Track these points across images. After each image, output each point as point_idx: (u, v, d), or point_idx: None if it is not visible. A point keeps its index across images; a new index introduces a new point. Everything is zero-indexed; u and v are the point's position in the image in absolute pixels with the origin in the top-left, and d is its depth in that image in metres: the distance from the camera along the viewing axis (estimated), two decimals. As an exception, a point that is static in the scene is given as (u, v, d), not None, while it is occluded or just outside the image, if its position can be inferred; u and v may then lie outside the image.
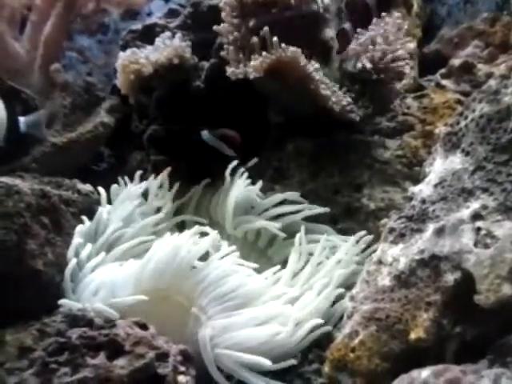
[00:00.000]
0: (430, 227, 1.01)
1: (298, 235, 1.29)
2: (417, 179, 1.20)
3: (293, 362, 1.09)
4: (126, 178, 1.45)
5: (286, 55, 1.28)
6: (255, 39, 1.34)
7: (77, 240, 1.23)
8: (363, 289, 1.06)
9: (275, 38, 1.29)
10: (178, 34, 1.58)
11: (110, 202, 1.39)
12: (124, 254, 1.26)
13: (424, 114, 1.50)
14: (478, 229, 0.94)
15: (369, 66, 1.35)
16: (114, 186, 1.43)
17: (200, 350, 1.08)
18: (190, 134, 1.49)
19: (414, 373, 0.86)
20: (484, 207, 0.95)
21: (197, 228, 1.22)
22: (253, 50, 1.34)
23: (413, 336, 0.94)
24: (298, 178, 1.46)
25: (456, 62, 1.67)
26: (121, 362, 0.97)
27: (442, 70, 1.69)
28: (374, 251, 1.13)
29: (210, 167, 1.50)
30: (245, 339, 1.08)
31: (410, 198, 1.11)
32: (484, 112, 1.02)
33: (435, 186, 1.05)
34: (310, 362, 1.12)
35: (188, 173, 1.52)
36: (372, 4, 1.43)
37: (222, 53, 1.41)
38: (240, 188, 1.38)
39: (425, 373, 0.84)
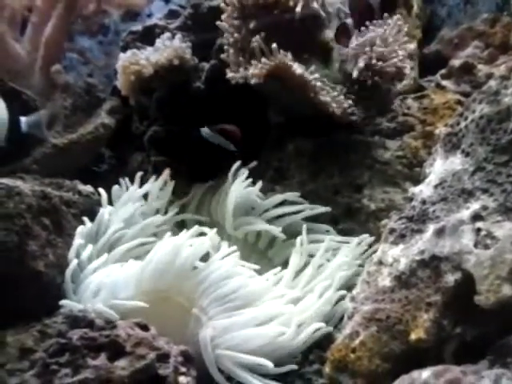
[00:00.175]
0: (431, 228, 1.01)
1: (299, 237, 1.29)
2: (417, 180, 1.20)
3: (294, 367, 1.09)
4: (127, 179, 1.45)
5: (285, 62, 1.29)
6: (255, 43, 1.35)
7: (78, 241, 1.23)
8: (364, 289, 1.06)
9: (274, 45, 1.30)
10: (178, 35, 1.58)
11: (110, 203, 1.40)
12: (125, 254, 1.26)
13: (424, 114, 1.50)
14: (478, 229, 0.94)
15: (361, 65, 1.34)
16: (115, 187, 1.43)
17: (201, 351, 1.08)
18: (190, 133, 1.49)
19: (415, 373, 0.86)
20: (484, 208, 0.95)
21: (196, 228, 1.23)
22: (253, 53, 1.34)
23: (413, 336, 0.94)
24: (298, 179, 1.46)
25: (456, 62, 1.67)
26: (122, 362, 0.97)
27: (442, 71, 1.69)
28: (375, 252, 1.14)
29: (210, 164, 1.49)
30: (246, 340, 1.08)
31: (411, 199, 1.11)
32: (484, 113, 1.02)
33: (435, 186, 1.05)
34: (311, 362, 1.12)
35: (189, 171, 1.52)
36: (375, 4, 1.43)
37: (223, 55, 1.41)
38: (240, 189, 1.38)
39: (425, 373, 0.84)
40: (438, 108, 1.50)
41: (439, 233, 0.99)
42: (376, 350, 0.97)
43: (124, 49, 1.66)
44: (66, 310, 1.11)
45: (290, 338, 1.09)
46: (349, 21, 1.43)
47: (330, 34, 1.46)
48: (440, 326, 0.93)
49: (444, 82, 1.64)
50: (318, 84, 1.33)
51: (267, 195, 1.42)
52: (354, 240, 1.29)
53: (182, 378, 1.00)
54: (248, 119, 1.53)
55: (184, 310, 1.12)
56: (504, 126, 0.99)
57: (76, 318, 1.07)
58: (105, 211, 1.33)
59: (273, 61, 1.29)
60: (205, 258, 1.16)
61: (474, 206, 0.97)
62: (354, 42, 1.41)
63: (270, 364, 1.04)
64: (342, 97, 1.36)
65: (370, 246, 1.28)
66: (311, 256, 1.28)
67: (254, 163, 1.45)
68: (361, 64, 1.35)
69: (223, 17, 1.41)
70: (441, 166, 1.07)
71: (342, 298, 1.16)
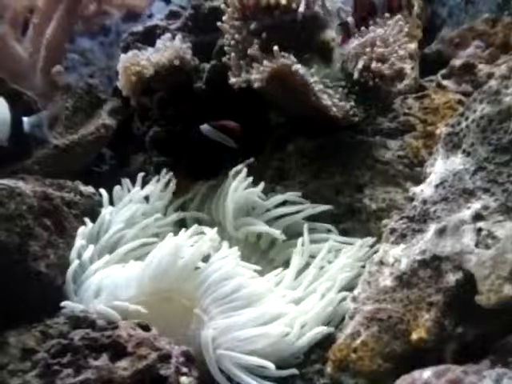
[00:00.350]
0: (432, 228, 1.01)
1: (300, 238, 1.29)
2: (418, 180, 1.20)
3: (294, 371, 1.08)
4: (128, 180, 1.45)
5: (287, 64, 1.29)
6: (256, 46, 1.35)
7: (79, 242, 1.23)
8: (365, 289, 1.07)
9: (276, 47, 1.30)
10: (179, 36, 1.58)
11: (112, 203, 1.40)
12: (126, 255, 1.26)
13: (425, 114, 1.50)
14: (479, 229, 0.94)
15: (361, 67, 1.35)
16: (117, 188, 1.43)
17: (202, 351, 1.08)
18: (190, 131, 1.49)
19: (416, 373, 0.86)
20: (485, 208, 0.95)
21: (196, 227, 1.23)
22: (255, 58, 1.34)
23: (414, 336, 0.94)
24: (299, 179, 1.46)
25: (457, 62, 1.67)
26: (123, 363, 0.98)
27: (443, 71, 1.69)
28: (376, 252, 1.14)
29: (211, 161, 1.49)
30: (248, 341, 1.08)
31: (412, 199, 1.11)
32: (485, 112, 1.02)
33: (436, 186, 1.05)
34: (313, 362, 1.12)
35: (190, 169, 1.51)
36: (379, 4, 1.43)
37: (224, 59, 1.42)
38: (240, 189, 1.38)
39: (426, 373, 0.84)
40: (439, 108, 1.50)
41: (440, 233, 0.99)
42: (377, 349, 0.97)
43: (125, 49, 1.66)
44: (68, 311, 1.11)
45: (293, 340, 1.09)
46: (350, 20, 1.43)
47: (330, 33, 1.46)
48: (441, 325, 0.93)
49: (445, 82, 1.64)
50: (320, 87, 1.32)
51: (268, 195, 1.42)
52: (357, 242, 1.29)
53: (183, 379, 1.00)
54: (249, 119, 1.52)
55: (185, 311, 1.13)
56: (505, 126, 0.99)
57: (77, 318, 1.07)
58: (106, 212, 1.34)
59: (275, 63, 1.29)
60: (205, 258, 1.16)
61: (475, 205, 0.97)
62: (355, 41, 1.41)
63: (271, 366, 1.04)
64: (343, 100, 1.36)
65: (372, 246, 1.27)
66: (312, 257, 1.27)
67: (251, 160, 1.44)
68: (361, 65, 1.35)
69: (224, 18, 1.41)
70: (442, 166, 1.07)
71: (344, 298, 1.16)
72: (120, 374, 0.96)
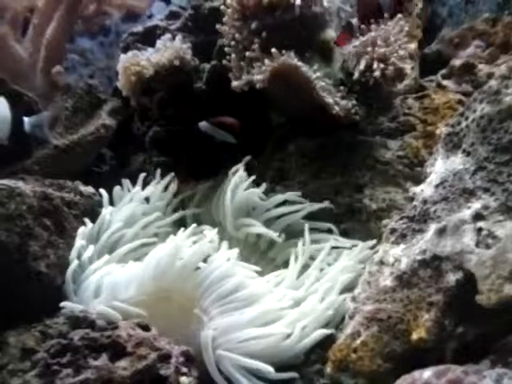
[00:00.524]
0: (432, 227, 1.01)
1: (301, 239, 1.28)
2: (418, 180, 1.20)
3: (294, 375, 1.08)
4: (128, 180, 1.45)
5: (289, 62, 1.28)
6: (256, 46, 1.34)
7: (79, 242, 1.23)
8: (365, 289, 1.06)
9: (274, 49, 1.30)
10: (179, 36, 1.58)
11: (112, 203, 1.40)
12: (126, 255, 1.26)
13: (425, 114, 1.50)
14: (480, 229, 0.94)
15: (362, 67, 1.35)
16: (117, 188, 1.43)
17: (202, 351, 1.08)
18: (189, 130, 1.49)
19: (416, 373, 0.86)
20: (485, 207, 0.95)
21: (194, 226, 1.23)
22: (256, 58, 1.34)
23: (415, 336, 0.94)
24: (299, 179, 1.46)
25: (457, 62, 1.67)
26: (123, 363, 0.97)
27: (443, 71, 1.69)
28: (376, 252, 1.13)
29: (211, 158, 1.49)
30: (248, 342, 1.08)
31: (412, 199, 1.11)
32: (485, 112, 1.02)
33: (436, 186, 1.05)
34: (312, 362, 1.12)
35: (190, 167, 1.51)
36: (385, 4, 1.43)
37: (225, 61, 1.42)
38: (240, 189, 1.38)
39: (427, 373, 0.84)
40: (439, 108, 1.50)
41: (440, 232, 0.99)
42: (377, 349, 0.97)
43: (125, 50, 1.67)
44: (68, 311, 1.11)
45: (294, 343, 1.09)
46: (354, 20, 1.43)
47: (331, 32, 1.46)
48: (441, 325, 0.93)
49: (445, 82, 1.64)
50: (322, 84, 1.32)
51: (269, 195, 1.42)
52: (359, 244, 1.28)
53: (183, 379, 1.00)
54: (249, 120, 1.53)
55: (185, 311, 1.12)
56: (505, 126, 0.99)
57: (77, 318, 1.07)
58: (106, 212, 1.34)
59: (276, 61, 1.29)
60: (205, 258, 1.16)
61: (476, 205, 0.97)
62: (356, 41, 1.41)
63: (270, 369, 1.04)
64: (345, 99, 1.36)
65: (373, 248, 1.27)
66: (312, 258, 1.27)
67: (248, 157, 1.44)
68: (362, 66, 1.35)
69: (225, 20, 1.41)
70: (442, 166, 1.07)
71: (344, 299, 1.16)
72: (120, 373, 0.96)
